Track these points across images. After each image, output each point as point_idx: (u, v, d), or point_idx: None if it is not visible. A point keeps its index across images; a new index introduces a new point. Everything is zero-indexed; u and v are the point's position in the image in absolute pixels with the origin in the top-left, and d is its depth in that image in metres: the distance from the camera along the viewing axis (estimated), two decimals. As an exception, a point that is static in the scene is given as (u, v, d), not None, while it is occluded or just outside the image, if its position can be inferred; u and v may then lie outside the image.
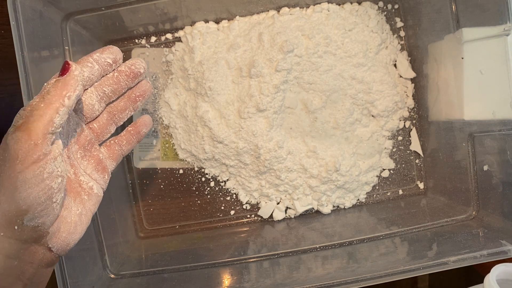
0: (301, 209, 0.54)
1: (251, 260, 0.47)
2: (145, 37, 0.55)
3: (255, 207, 0.56)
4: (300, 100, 0.52)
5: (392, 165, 0.57)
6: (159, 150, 0.56)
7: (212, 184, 0.56)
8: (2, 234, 0.29)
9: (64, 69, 0.31)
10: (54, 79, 0.31)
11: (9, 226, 0.29)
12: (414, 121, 0.57)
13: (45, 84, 0.32)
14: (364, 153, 0.54)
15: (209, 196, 0.56)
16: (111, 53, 0.37)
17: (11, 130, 0.29)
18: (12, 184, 0.28)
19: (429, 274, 0.60)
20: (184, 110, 0.53)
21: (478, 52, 0.44)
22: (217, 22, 0.53)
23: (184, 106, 0.53)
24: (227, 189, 0.56)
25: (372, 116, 0.55)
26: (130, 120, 0.45)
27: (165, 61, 0.54)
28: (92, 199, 0.36)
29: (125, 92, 0.40)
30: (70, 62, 0.32)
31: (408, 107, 0.56)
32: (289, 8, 0.52)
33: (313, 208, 0.55)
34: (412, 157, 0.57)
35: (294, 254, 0.47)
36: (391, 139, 0.56)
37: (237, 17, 0.53)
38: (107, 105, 0.40)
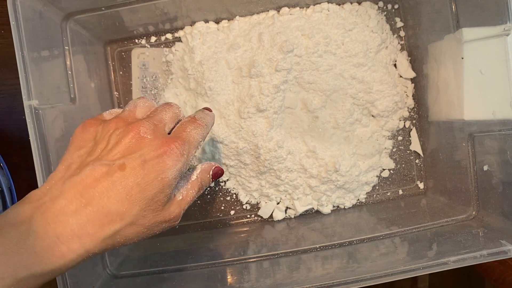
0: (301, 209, 0.54)
1: (251, 260, 0.47)
2: (145, 37, 0.55)
3: (255, 207, 0.56)
4: (300, 99, 0.52)
5: (392, 165, 0.57)
6: (159, 150, 0.56)
7: (212, 184, 0.56)
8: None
9: (218, 175, 0.39)
10: (208, 174, 0.38)
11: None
12: (414, 121, 0.57)
13: (200, 165, 0.38)
14: (364, 153, 0.54)
15: (209, 196, 0.56)
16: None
17: (178, 195, 0.35)
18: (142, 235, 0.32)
19: (429, 274, 0.60)
20: (184, 110, 0.53)
21: (478, 52, 0.44)
22: (217, 22, 0.53)
23: (184, 106, 0.53)
24: (227, 189, 0.56)
25: (372, 116, 0.55)
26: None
27: (165, 61, 0.54)
28: None
29: None
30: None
31: (408, 107, 0.56)
32: (289, 8, 0.52)
33: (313, 208, 0.55)
34: (412, 157, 0.57)
35: (294, 254, 0.47)
36: (391, 139, 0.56)
37: (237, 17, 0.53)
38: None
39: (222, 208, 0.56)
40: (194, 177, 0.37)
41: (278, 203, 0.55)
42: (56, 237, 0.28)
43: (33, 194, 0.30)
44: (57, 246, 0.28)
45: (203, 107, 0.42)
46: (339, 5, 0.53)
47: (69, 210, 0.29)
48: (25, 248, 0.27)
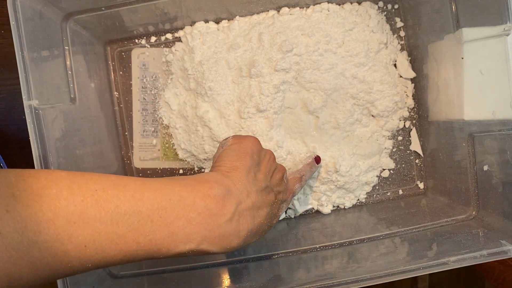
0: (301, 209, 0.54)
1: (251, 260, 0.47)
2: (145, 37, 0.55)
3: (255, 207, 0.56)
4: (301, 99, 0.52)
5: (392, 165, 0.57)
6: (159, 150, 0.56)
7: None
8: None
9: (318, 160, 0.49)
10: (310, 164, 0.48)
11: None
12: (414, 121, 0.57)
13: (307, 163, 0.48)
14: (364, 153, 0.54)
15: (209, 196, 0.56)
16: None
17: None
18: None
19: (429, 274, 0.60)
20: (184, 110, 0.53)
21: (478, 52, 0.44)
22: (217, 22, 0.53)
23: (184, 106, 0.53)
24: (227, 189, 0.56)
25: (372, 116, 0.55)
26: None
27: (165, 61, 0.54)
28: None
29: None
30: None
31: (408, 107, 0.56)
32: (289, 8, 0.52)
33: (313, 208, 0.55)
34: (412, 157, 0.57)
35: (294, 254, 0.47)
36: (391, 139, 0.56)
37: (237, 17, 0.53)
38: None
39: (222, 208, 0.56)
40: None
41: (278, 203, 0.55)
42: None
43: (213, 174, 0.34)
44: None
45: (314, 155, 0.50)
46: (339, 5, 0.53)
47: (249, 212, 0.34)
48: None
